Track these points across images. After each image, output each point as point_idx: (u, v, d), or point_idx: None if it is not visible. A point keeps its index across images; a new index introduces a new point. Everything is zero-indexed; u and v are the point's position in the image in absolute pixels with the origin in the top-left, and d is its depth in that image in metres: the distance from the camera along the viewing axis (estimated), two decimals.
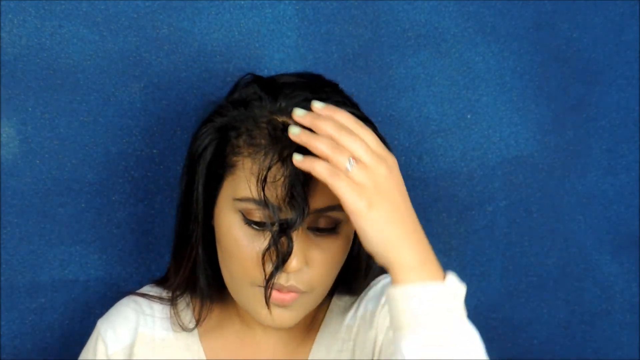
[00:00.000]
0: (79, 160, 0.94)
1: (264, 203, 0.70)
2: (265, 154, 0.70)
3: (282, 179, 0.69)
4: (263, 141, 0.71)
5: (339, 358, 0.83)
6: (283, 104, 0.73)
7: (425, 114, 1.04)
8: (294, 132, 0.68)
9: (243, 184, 0.72)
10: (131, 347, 0.82)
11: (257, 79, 0.79)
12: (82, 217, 0.96)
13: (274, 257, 0.70)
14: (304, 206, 0.68)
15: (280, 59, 0.97)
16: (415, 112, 1.04)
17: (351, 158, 0.65)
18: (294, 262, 0.70)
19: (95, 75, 0.92)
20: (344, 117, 0.69)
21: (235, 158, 0.73)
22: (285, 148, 0.69)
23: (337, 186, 0.64)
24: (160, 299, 0.84)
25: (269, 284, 0.71)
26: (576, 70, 1.08)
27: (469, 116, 1.06)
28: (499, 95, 1.06)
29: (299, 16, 0.97)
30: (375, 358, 0.82)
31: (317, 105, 0.70)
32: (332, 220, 0.73)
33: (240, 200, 0.72)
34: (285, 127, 0.70)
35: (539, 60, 1.06)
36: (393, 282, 0.66)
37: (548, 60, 1.07)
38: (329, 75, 0.99)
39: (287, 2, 0.96)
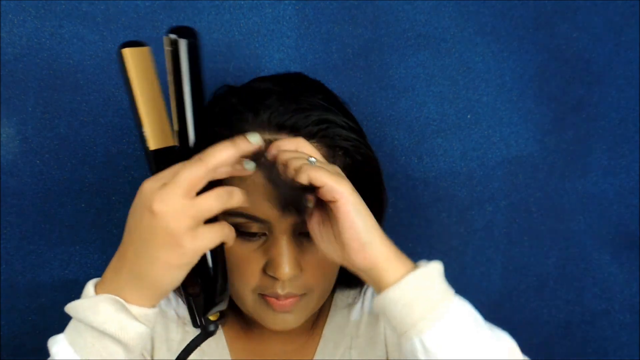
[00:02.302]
0: (79, 160, 0.94)
1: (255, 218, 0.70)
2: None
3: (267, 191, 0.69)
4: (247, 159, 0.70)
5: (350, 354, 0.83)
6: (265, 117, 0.71)
7: (425, 114, 1.04)
8: (250, 168, 0.65)
9: None
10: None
11: (234, 91, 0.78)
12: (82, 217, 0.96)
13: (271, 266, 0.71)
14: (289, 215, 0.68)
15: (280, 59, 0.97)
16: (415, 112, 1.04)
17: (311, 158, 0.65)
18: (286, 270, 0.70)
19: (95, 75, 0.92)
20: (293, 142, 0.68)
21: None
22: (270, 164, 0.68)
23: (313, 174, 0.62)
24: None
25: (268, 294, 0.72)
26: (576, 70, 1.08)
27: (469, 116, 1.06)
28: (499, 95, 1.06)
29: (299, 16, 0.97)
30: (387, 351, 0.82)
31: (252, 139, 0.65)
32: None
33: (230, 214, 0.71)
34: (268, 145, 0.69)
35: (539, 60, 1.06)
36: (383, 283, 0.64)
37: (548, 60, 1.07)
38: (329, 75, 0.99)
39: (287, 2, 0.96)
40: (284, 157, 0.65)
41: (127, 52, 0.63)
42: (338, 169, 0.66)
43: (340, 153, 0.74)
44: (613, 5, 1.07)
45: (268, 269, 0.72)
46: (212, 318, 0.67)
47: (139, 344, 0.63)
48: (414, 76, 1.02)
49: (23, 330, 0.96)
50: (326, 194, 0.62)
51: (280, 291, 0.72)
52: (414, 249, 1.09)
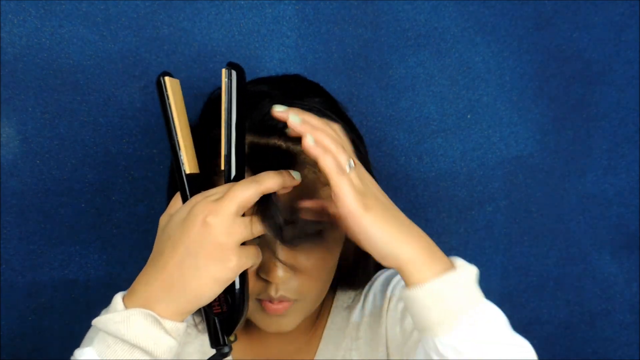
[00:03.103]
0: (79, 160, 0.94)
1: None
2: (247, 174, 0.69)
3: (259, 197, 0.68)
4: None
5: (350, 355, 0.83)
6: (257, 120, 0.71)
7: (425, 114, 1.04)
8: (294, 120, 0.63)
9: None
10: None
11: None
12: (82, 217, 0.96)
13: (261, 270, 0.71)
14: (280, 222, 0.67)
15: (280, 59, 0.97)
16: (415, 112, 1.04)
17: (351, 160, 0.64)
18: (279, 273, 0.70)
19: (95, 75, 0.92)
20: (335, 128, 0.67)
21: (215, 177, 0.72)
22: (261, 168, 0.68)
23: (340, 185, 0.62)
24: None
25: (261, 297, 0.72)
26: (576, 70, 1.08)
27: (469, 116, 1.06)
28: (499, 95, 1.06)
29: (299, 16, 0.97)
30: (388, 352, 0.82)
31: (277, 109, 0.65)
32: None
33: None
34: (264, 148, 0.70)
35: (539, 60, 1.06)
36: (408, 282, 0.64)
37: (548, 60, 1.07)
38: (328, 75, 0.99)
39: (287, 2, 0.96)
40: (326, 140, 0.63)
41: (168, 81, 0.69)
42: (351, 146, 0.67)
43: None
44: (613, 5, 1.07)
45: (261, 272, 0.72)
46: (230, 338, 0.69)
47: (169, 358, 0.63)
48: (414, 76, 1.02)
49: (23, 330, 0.96)
50: (340, 206, 0.63)
51: (273, 294, 0.72)
52: None
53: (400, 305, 0.82)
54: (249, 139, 0.71)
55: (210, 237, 0.60)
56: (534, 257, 1.14)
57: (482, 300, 0.65)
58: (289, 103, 0.70)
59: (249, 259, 0.63)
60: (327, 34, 0.98)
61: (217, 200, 0.62)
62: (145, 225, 0.98)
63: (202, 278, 0.61)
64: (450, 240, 1.10)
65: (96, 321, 0.63)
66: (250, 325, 0.85)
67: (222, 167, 0.67)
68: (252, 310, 0.75)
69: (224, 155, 0.67)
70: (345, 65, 1.00)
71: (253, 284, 0.73)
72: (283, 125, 0.69)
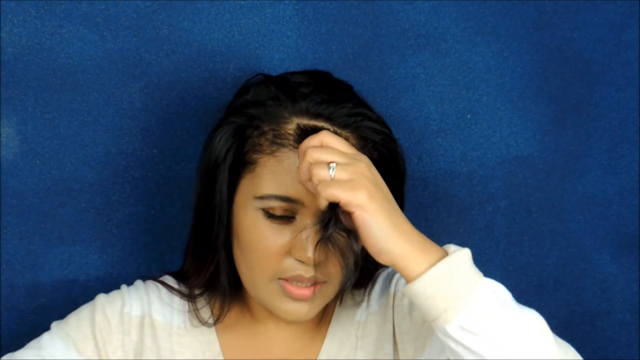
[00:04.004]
0: (79, 160, 0.94)
1: (289, 199, 0.73)
2: (289, 152, 0.73)
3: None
4: (286, 141, 0.74)
5: (355, 354, 0.83)
6: (303, 105, 0.75)
7: (425, 114, 1.04)
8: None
9: (265, 182, 0.74)
10: (141, 323, 0.82)
11: (270, 79, 0.81)
12: (82, 217, 0.96)
13: (298, 249, 0.73)
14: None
15: (280, 59, 0.97)
16: (415, 112, 1.04)
17: (331, 164, 0.67)
18: (316, 254, 0.72)
19: (95, 75, 0.92)
20: (317, 138, 0.70)
21: (255, 156, 0.75)
22: None
23: (328, 193, 0.65)
24: (180, 292, 0.85)
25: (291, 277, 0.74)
26: (576, 70, 1.08)
27: (469, 116, 1.06)
28: (499, 95, 1.06)
29: (299, 16, 0.97)
30: (398, 349, 0.83)
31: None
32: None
33: (262, 198, 0.74)
34: (312, 130, 0.73)
35: (539, 60, 1.06)
36: (406, 277, 0.67)
37: (548, 60, 1.07)
38: None
39: (287, 2, 0.96)
40: (307, 160, 0.68)
41: None
42: (363, 162, 0.68)
43: (369, 146, 0.77)
44: (613, 5, 1.07)
45: (294, 252, 0.73)
46: None
47: None
48: (414, 76, 1.02)
49: (23, 330, 0.96)
50: (344, 207, 0.66)
51: (304, 274, 0.73)
52: None
53: (406, 300, 0.83)
54: (296, 121, 0.75)
55: None
56: (534, 257, 1.14)
57: (481, 278, 0.67)
58: (327, 91, 0.76)
59: None
60: (327, 34, 0.98)
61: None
62: (145, 225, 0.98)
63: None
64: (450, 240, 1.09)
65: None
66: (254, 323, 0.85)
67: None
68: (272, 294, 0.76)
69: None
70: (345, 65, 1.00)
71: (281, 263, 0.74)
72: (329, 111, 0.75)
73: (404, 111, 1.03)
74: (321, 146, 0.69)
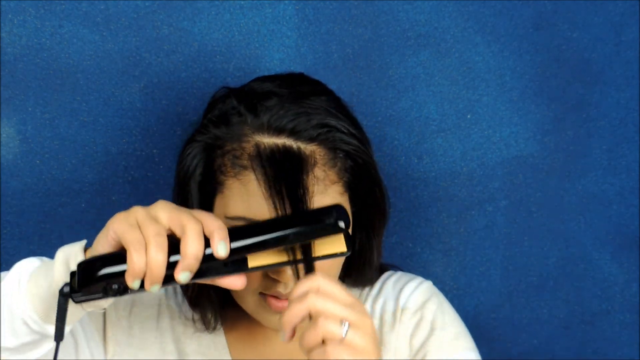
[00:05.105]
0: (79, 160, 0.94)
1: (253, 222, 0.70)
2: (250, 174, 0.70)
3: (265, 194, 0.69)
4: (247, 162, 0.70)
5: None
6: (265, 120, 0.71)
7: (425, 114, 1.04)
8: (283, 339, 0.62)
9: (232, 203, 0.72)
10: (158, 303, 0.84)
11: (233, 92, 0.77)
12: (82, 217, 0.96)
13: (273, 270, 0.71)
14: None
15: (280, 59, 0.97)
16: (415, 112, 1.04)
17: (345, 322, 0.59)
18: (289, 271, 0.71)
19: (95, 75, 0.92)
20: (313, 282, 0.63)
21: (222, 177, 0.73)
22: (270, 167, 0.68)
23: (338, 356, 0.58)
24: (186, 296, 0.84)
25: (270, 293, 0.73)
26: (576, 70, 1.08)
27: (469, 116, 1.06)
28: (499, 95, 1.06)
29: (299, 16, 0.97)
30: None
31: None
32: None
33: (232, 218, 0.71)
34: (270, 151, 0.69)
35: (539, 60, 1.06)
36: None
37: (548, 60, 1.07)
38: (328, 75, 0.99)
39: (287, 2, 0.96)
40: (312, 310, 0.60)
41: None
42: (369, 319, 0.62)
43: (341, 155, 0.73)
44: (613, 5, 1.07)
45: (270, 272, 0.72)
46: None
47: None
48: (414, 76, 1.02)
49: None
50: None
51: (282, 290, 0.72)
52: (414, 249, 1.09)
53: (414, 320, 0.83)
54: (256, 139, 0.71)
55: None
56: (534, 257, 1.14)
57: None
58: (294, 102, 0.71)
59: None
60: (327, 34, 0.98)
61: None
62: None
63: None
64: (450, 240, 1.10)
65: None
66: (253, 323, 0.85)
67: None
68: (254, 306, 0.76)
69: None
70: (345, 65, 1.00)
71: (261, 281, 0.73)
72: (293, 125, 0.70)
73: (404, 111, 1.03)
74: (318, 291, 0.60)
